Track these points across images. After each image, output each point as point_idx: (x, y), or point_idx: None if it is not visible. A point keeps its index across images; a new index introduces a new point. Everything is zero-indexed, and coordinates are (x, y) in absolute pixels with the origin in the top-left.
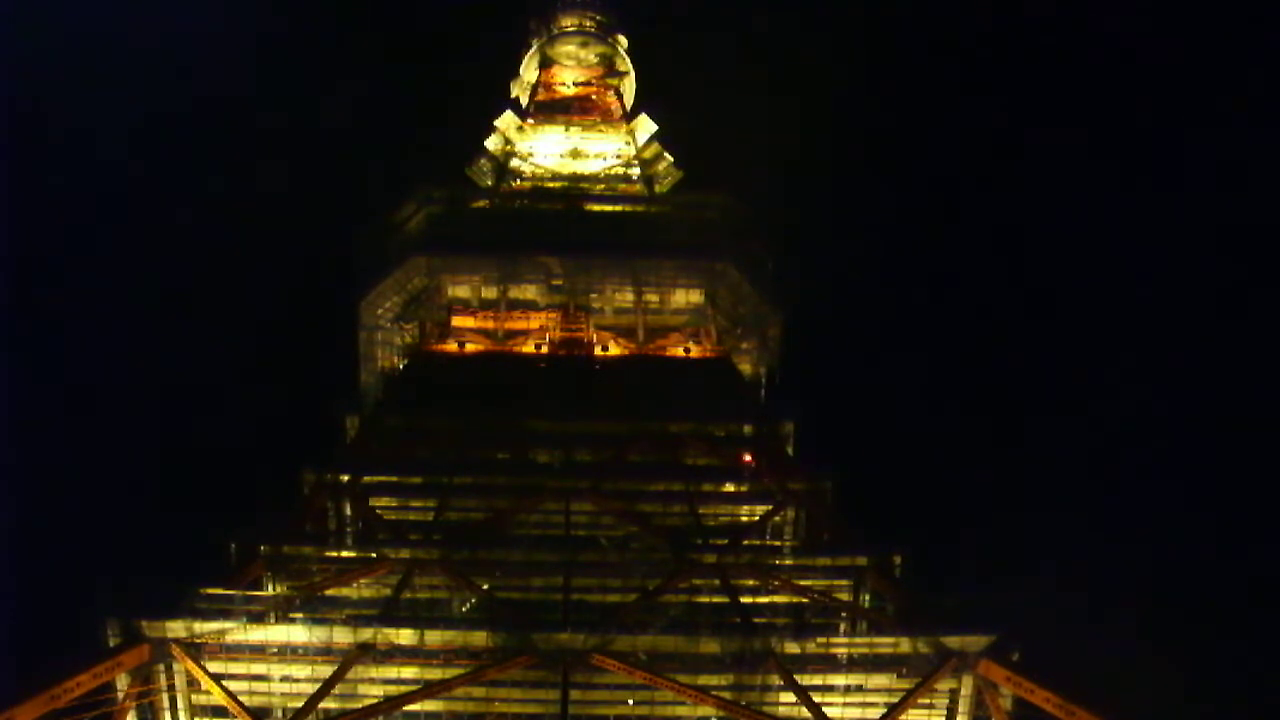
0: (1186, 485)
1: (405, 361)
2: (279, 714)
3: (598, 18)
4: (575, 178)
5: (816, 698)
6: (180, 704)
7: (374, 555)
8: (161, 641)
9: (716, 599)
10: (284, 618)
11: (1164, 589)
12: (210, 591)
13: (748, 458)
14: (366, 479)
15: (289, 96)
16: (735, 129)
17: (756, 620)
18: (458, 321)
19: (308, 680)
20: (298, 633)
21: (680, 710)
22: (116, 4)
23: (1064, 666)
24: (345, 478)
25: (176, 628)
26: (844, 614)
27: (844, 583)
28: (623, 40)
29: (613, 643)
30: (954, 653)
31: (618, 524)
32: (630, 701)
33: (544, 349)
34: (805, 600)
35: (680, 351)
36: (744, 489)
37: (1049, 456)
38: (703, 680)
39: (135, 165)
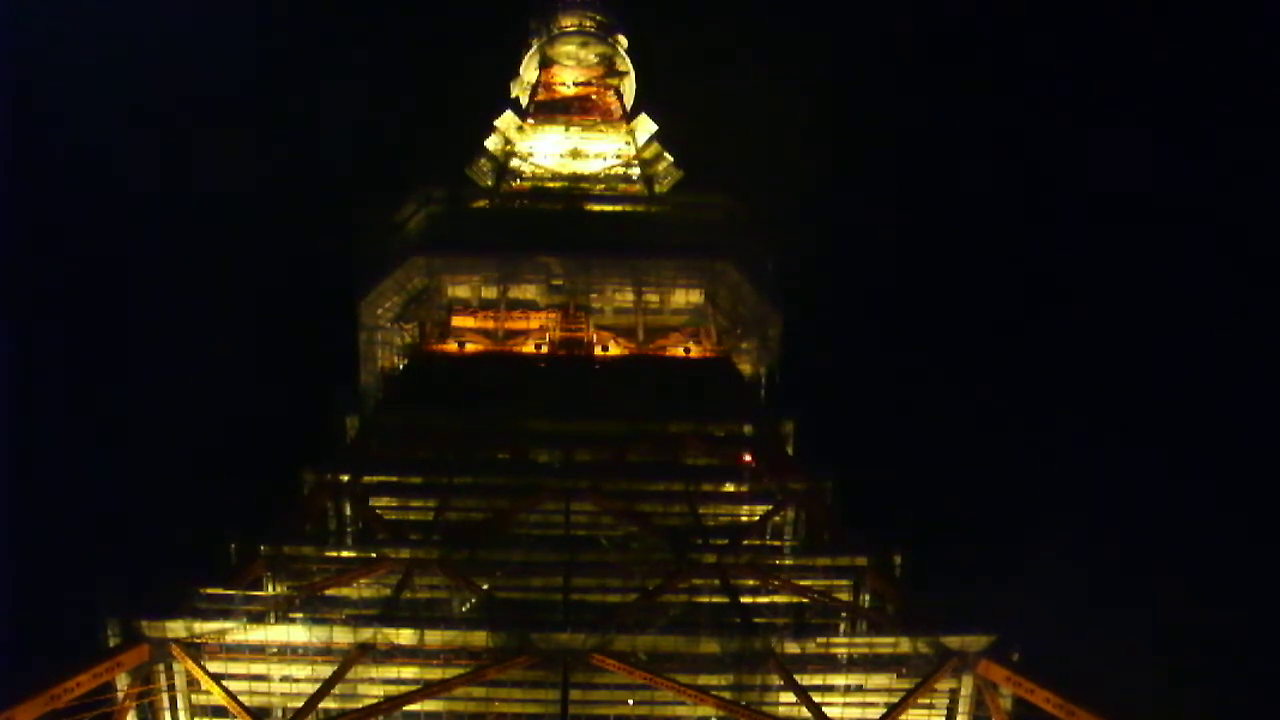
0: (1187, 483)
1: (405, 361)
2: (279, 714)
3: (598, 18)
4: (575, 178)
5: (816, 698)
6: (180, 704)
7: (374, 555)
8: (161, 641)
9: (716, 599)
10: (284, 618)
11: (1164, 588)
12: (210, 591)
13: (748, 458)
14: (366, 479)
15: (289, 96)
16: (735, 129)
17: (756, 620)
18: (458, 321)
19: (308, 680)
20: (298, 633)
21: (680, 710)
22: (117, 2)
23: (1064, 666)
24: (345, 478)
25: (176, 628)
26: (844, 614)
27: (844, 583)
28: (623, 40)
29: (613, 643)
30: (954, 653)
31: (618, 524)
32: (630, 701)
33: (544, 349)
34: (805, 600)
35: (680, 351)
36: (744, 489)
37: (1050, 456)
38: (703, 680)
39: (134, 164)
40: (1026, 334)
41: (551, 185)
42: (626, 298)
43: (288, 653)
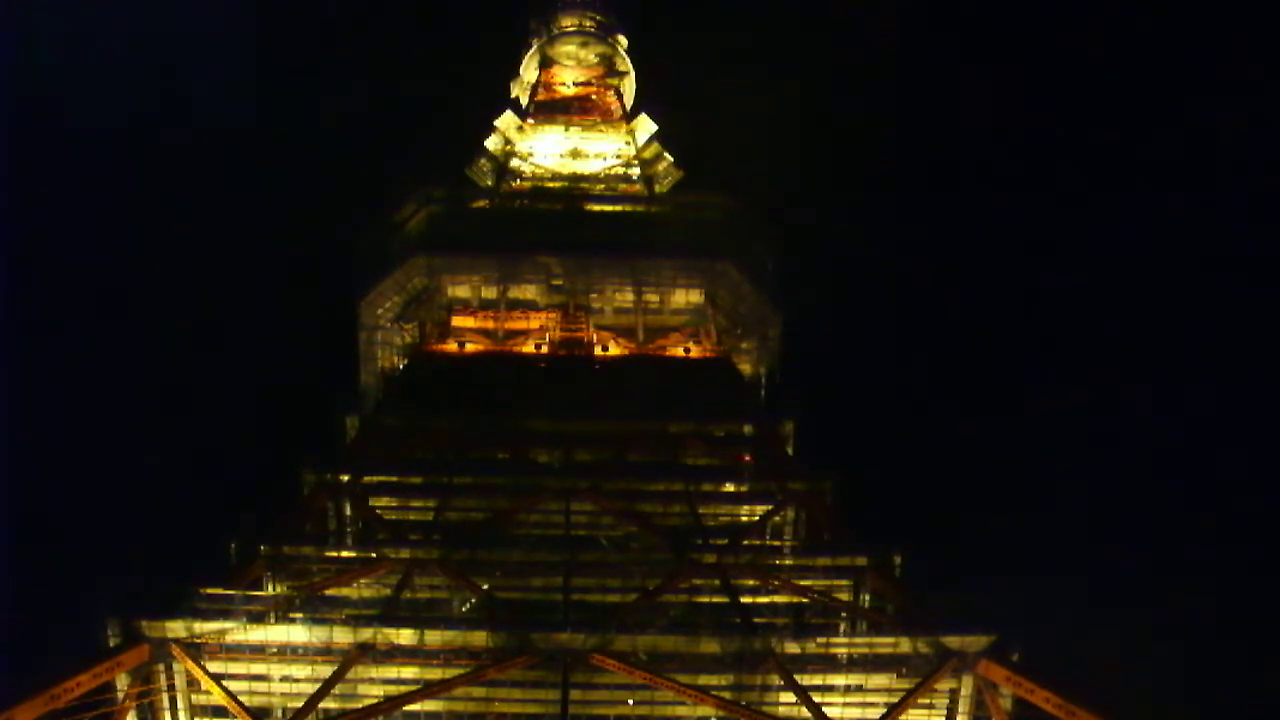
0: (1187, 483)
1: (405, 361)
2: (279, 714)
3: (598, 18)
4: (575, 178)
5: (816, 698)
6: (180, 704)
7: (374, 555)
8: (161, 641)
9: (716, 599)
10: (284, 618)
11: (1164, 588)
12: (210, 591)
13: (747, 458)
14: (366, 479)
15: (289, 95)
16: (736, 129)
17: (756, 620)
18: (458, 321)
19: (308, 680)
20: (298, 633)
21: (680, 710)
22: (114, 2)
23: (1064, 666)
24: (345, 478)
25: (176, 628)
26: (844, 614)
27: (844, 583)
28: (623, 40)
29: (613, 643)
30: (954, 653)
31: (618, 524)
32: (630, 701)
33: (544, 349)
34: (805, 600)
35: (680, 351)
36: (744, 489)
37: (1050, 455)
38: (703, 680)
39: (134, 163)
40: (1027, 333)
41: (551, 185)
42: (626, 298)
43: (288, 653)
